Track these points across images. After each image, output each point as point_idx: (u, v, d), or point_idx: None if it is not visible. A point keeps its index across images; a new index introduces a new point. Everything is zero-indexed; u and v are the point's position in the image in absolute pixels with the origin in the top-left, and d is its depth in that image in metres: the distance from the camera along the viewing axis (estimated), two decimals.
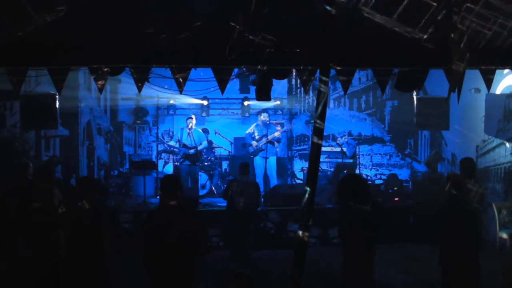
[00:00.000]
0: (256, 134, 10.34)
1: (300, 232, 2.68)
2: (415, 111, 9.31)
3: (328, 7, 2.65)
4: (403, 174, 11.94)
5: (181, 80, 5.30)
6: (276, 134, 10.25)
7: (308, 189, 2.64)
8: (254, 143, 10.22)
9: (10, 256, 4.97)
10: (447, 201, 5.12)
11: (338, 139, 10.85)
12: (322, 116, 2.69)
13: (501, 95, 8.80)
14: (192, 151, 10.28)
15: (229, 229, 7.86)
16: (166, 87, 9.82)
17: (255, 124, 10.66)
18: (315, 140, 2.68)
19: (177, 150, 10.57)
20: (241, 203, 7.48)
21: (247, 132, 10.63)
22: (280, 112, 12.69)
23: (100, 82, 5.27)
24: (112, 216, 4.45)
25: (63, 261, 4.27)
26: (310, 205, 2.66)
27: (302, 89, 5.60)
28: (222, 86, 5.50)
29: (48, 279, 4.62)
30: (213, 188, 10.54)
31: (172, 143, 10.71)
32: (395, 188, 9.67)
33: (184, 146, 10.39)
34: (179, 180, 4.62)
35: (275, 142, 10.38)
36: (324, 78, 2.67)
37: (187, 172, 10.23)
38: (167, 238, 4.23)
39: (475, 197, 5.10)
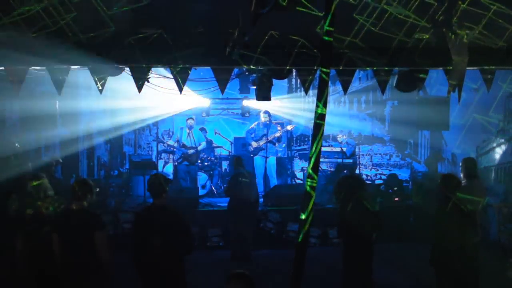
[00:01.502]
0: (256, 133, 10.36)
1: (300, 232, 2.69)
2: (415, 111, 9.31)
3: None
4: (403, 174, 11.93)
5: (181, 80, 5.31)
6: (277, 134, 10.24)
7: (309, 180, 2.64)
8: (254, 143, 10.21)
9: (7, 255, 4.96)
10: (440, 201, 5.12)
11: (339, 135, 10.83)
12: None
13: (501, 95, 8.80)
14: (192, 151, 10.27)
15: (233, 226, 7.80)
16: (166, 87, 9.79)
17: (256, 123, 10.66)
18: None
19: (175, 149, 10.55)
20: (249, 194, 7.59)
21: (249, 128, 10.65)
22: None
23: (100, 82, 5.28)
24: (98, 215, 4.46)
25: (58, 263, 4.28)
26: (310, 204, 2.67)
27: (302, 89, 5.59)
28: (222, 86, 5.51)
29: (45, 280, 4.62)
30: (213, 188, 10.52)
31: (171, 142, 10.70)
32: (395, 188, 9.67)
33: (184, 146, 10.38)
34: (163, 180, 4.60)
35: (276, 143, 10.38)
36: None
37: (185, 172, 10.23)
38: (153, 238, 4.25)
39: (471, 197, 5.09)
